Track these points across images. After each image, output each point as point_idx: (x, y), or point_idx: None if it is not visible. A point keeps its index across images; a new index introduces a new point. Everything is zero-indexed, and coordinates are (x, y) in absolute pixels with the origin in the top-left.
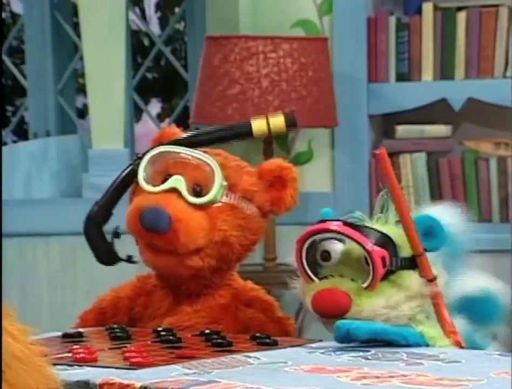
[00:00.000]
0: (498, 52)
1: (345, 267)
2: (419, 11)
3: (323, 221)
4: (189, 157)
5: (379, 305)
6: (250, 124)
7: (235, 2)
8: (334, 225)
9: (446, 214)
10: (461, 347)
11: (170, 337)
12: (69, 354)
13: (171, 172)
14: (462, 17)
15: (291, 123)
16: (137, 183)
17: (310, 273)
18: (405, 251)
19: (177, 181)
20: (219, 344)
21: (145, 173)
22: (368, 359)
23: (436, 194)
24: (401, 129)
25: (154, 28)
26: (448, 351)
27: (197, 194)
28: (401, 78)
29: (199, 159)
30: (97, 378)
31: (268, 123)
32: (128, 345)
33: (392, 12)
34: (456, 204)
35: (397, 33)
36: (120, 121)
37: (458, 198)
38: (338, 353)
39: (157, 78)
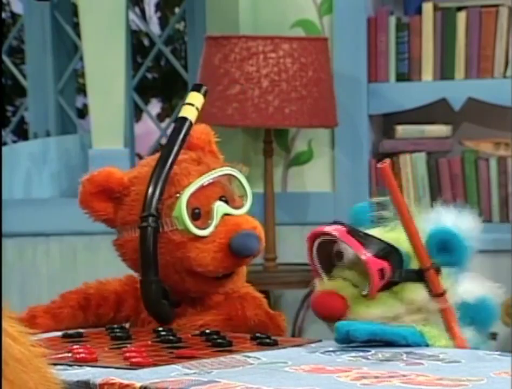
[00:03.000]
0: (498, 52)
1: (351, 271)
2: (419, 11)
3: (335, 222)
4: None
5: (376, 315)
6: (186, 118)
7: (235, 2)
8: (334, 230)
9: (459, 220)
10: None
11: (170, 337)
12: (69, 354)
13: (195, 204)
14: (462, 17)
15: (204, 91)
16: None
17: (320, 271)
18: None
19: (222, 208)
20: (219, 344)
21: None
22: (368, 359)
23: (436, 194)
24: (401, 129)
25: (154, 28)
26: (448, 351)
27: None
28: (401, 78)
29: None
30: (97, 378)
31: (192, 105)
32: (128, 345)
33: (392, 12)
34: (461, 205)
35: (397, 33)
36: (120, 121)
37: (458, 198)
38: (338, 353)
39: (157, 78)
